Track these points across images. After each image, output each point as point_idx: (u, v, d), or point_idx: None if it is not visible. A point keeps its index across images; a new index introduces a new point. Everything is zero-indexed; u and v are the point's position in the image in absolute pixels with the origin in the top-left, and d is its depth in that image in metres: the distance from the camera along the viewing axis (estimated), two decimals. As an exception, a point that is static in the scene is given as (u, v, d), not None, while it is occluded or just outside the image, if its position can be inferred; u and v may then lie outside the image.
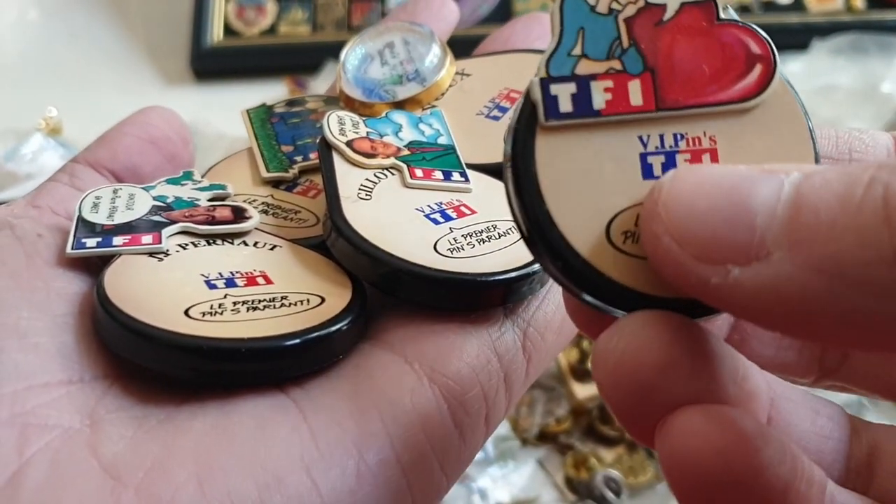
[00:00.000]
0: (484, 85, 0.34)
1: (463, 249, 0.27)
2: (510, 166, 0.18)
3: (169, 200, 0.29)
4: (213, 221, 0.28)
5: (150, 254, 0.26)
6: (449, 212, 0.28)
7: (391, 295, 0.26)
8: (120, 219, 0.27)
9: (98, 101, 0.67)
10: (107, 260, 0.26)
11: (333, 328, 0.24)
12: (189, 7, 0.80)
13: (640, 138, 0.18)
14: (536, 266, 0.26)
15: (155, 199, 0.29)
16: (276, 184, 0.32)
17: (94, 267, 0.26)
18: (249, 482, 0.21)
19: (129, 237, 0.26)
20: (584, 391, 0.54)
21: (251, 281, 0.26)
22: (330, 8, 0.79)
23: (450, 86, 0.34)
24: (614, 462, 0.52)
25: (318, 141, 0.30)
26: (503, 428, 0.55)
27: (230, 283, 0.25)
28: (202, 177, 0.31)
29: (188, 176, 0.30)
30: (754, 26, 0.18)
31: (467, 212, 0.29)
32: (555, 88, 0.18)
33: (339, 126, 0.30)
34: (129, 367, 0.24)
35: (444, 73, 0.34)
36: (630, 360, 0.16)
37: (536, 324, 0.27)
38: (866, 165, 0.14)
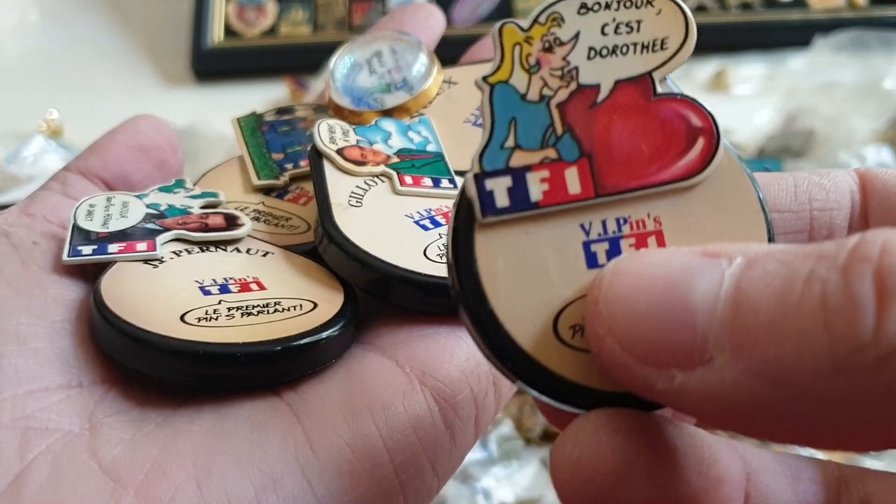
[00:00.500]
0: (470, 93, 0.34)
1: None
2: (452, 266, 0.17)
3: (162, 208, 0.29)
4: (206, 229, 0.28)
5: (146, 261, 0.26)
6: (438, 218, 0.29)
7: (382, 300, 0.27)
8: (114, 226, 0.28)
9: (99, 103, 0.67)
10: (102, 267, 0.26)
11: (326, 333, 0.24)
12: (189, 8, 0.80)
13: (582, 226, 0.17)
14: None
15: (148, 206, 0.29)
16: (267, 191, 0.32)
17: (89, 274, 0.27)
18: (246, 483, 0.21)
19: (124, 244, 0.27)
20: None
21: (245, 287, 0.26)
22: (330, 8, 0.79)
23: (437, 94, 0.34)
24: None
25: (308, 149, 0.30)
26: (507, 428, 0.54)
27: (224, 289, 0.26)
28: (194, 184, 0.31)
29: (180, 184, 0.31)
30: (694, 98, 0.18)
31: None
32: (490, 183, 0.17)
33: (329, 134, 0.30)
34: (126, 372, 0.24)
35: (432, 81, 0.34)
36: (586, 469, 0.16)
37: None
38: (807, 254, 0.14)
